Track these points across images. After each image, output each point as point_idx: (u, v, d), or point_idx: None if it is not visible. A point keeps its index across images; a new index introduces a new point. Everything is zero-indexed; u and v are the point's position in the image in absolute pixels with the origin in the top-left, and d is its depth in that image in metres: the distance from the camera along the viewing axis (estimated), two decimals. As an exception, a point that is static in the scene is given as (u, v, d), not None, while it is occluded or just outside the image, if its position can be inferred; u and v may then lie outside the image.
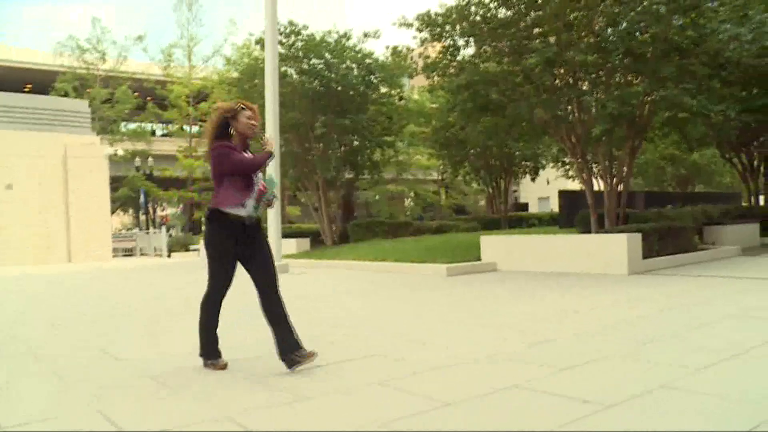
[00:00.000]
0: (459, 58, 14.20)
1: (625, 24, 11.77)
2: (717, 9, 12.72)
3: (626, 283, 9.47)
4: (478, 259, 12.73)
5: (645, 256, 11.04)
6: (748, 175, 21.42)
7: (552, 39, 12.53)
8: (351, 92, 21.17)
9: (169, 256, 28.55)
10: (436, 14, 13.77)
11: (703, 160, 31.48)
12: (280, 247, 14.70)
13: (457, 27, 13.53)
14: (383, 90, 22.71)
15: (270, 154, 4.60)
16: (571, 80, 13.02)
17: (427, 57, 15.13)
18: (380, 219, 26.58)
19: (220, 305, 4.68)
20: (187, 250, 30.12)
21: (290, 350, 4.47)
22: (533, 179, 29.41)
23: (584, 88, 13.04)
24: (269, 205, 4.71)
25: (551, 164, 26.24)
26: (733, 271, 10.31)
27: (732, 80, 14.70)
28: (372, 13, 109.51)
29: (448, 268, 11.87)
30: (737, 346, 4.72)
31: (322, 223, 22.74)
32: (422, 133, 27.58)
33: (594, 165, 15.69)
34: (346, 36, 21.29)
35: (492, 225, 24.74)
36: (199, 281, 4.93)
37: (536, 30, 12.86)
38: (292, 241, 20.86)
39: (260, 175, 4.67)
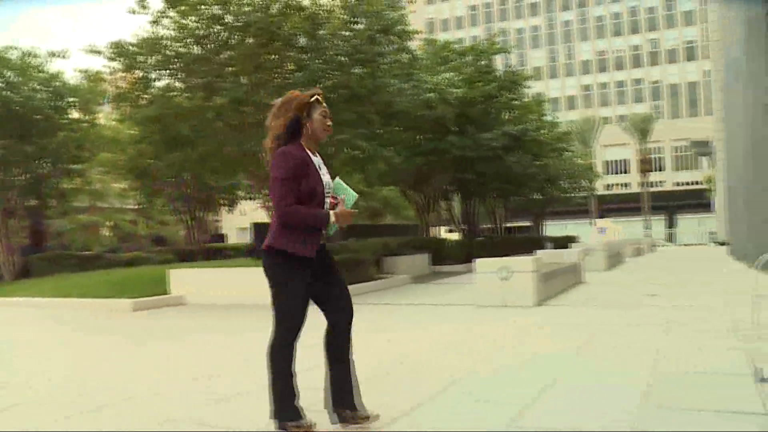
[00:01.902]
0: (152, 90, 13.96)
1: (310, 70, 12.66)
2: (391, 65, 14.33)
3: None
4: (166, 293, 12.54)
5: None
6: (423, 211, 24.14)
7: (244, 79, 12.99)
8: (37, 116, 19.46)
9: None
10: (129, 44, 13.37)
11: (391, 194, 34.59)
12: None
13: (150, 59, 13.32)
14: (75, 115, 21.27)
15: (328, 220, 3.48)
16: (260, 118, 13.58)
17: (118, 87, 14.64)
18: (69, 252, 24.63)
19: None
20: None
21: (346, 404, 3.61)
22: (230, 211, 29.80)
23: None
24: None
25: (248, 197, 26.74)
26: (399, 298, 11.61)
27: (404, 127, 16.62)
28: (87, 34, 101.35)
29: (134, 303, 11.53)
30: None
31: (1, 255, 20.46)
32: (118, 160, 26.32)
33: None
34: (32, 54, 19.56)
35: (189, 256, 24.38)
36: None
37: (229, 69, 13.21)
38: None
39: (327, 180, 3.62)
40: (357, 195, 3.61)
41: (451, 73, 17.89)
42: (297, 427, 3.41)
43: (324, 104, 3.57)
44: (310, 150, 3.53)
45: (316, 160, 3.54)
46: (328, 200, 3.54)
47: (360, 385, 3.61)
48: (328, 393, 3.59)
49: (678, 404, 3.85)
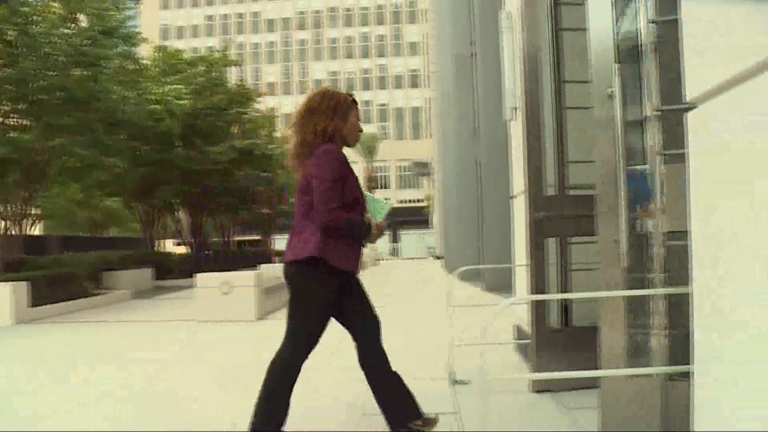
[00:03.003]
0: None
1: (20, 69, 11.60)
2: (115, 70, 13.66)
3: (6, 334, 9.22)
4: None
5: (34, 305, 10.89)
6: (148, 223, 23.19)
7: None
8: None
9: None
10: None
11: (115, 206, 32.59)
12: None
13: None
14: None
15: (370, 229, 3.20)
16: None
17: None
18: None
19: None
20: None
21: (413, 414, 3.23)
22: None
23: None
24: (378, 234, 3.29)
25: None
26: (118, 315, 11.06)
27: (129, 136, 15.90)
28: None
29: None
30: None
31: None
32: None
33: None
34: None
35: None
36: None
37: None
38: None
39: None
40: (389, 205, 3.43)
41: (179, 85, 17.53)
42: None
43: (357, 107, 3.38)
44: None
45: None
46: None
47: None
48: (393, 412, 3.26)
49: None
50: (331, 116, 3.21)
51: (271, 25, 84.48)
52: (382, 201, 3.38)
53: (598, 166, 3.16)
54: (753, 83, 1.76)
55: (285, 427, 3.12)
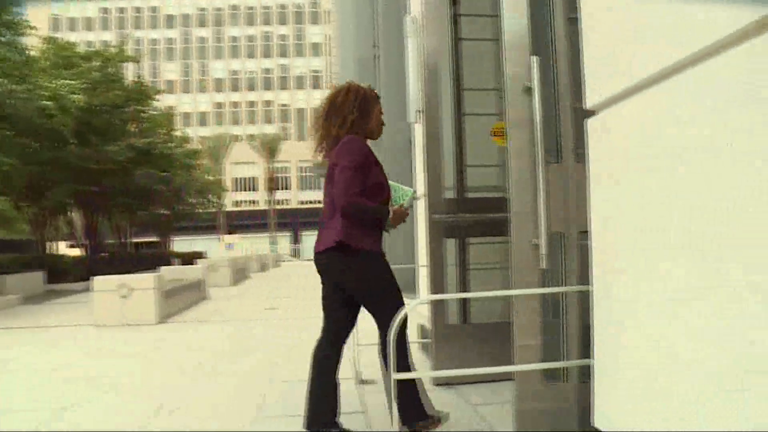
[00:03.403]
0: None
1: None
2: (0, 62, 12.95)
3: None
4: None
5: None
6: (38, 225, 22.07)
7: None
8: None
9: None
10: None
11: (2, 206, 30.82)
12: None
13: None
14: None
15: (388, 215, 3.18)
16: None
17: None
18: None
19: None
20: None
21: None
22: None
23: None
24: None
25: None
26: (6, 321, 10.52)
27: (17, 132, 15.10)
28: None
29: None
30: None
31: None
32: None
33: None
34: None
35: None
36: None
37: None
38: None
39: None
40: (412, 190, 3.41)
41: (73, 80, 16.80)
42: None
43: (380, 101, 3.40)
44: None
45: None
46: None
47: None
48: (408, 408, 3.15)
49: (291, 411, 4.02)
50: (355, 110, 3.25)
51: (170, 21, 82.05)
52: (405, 188, 3.43)
53: (512, 164, 3.06)
54: (648, 93, 1.92)
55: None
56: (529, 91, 2.96)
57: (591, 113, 2.37)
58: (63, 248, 32.94)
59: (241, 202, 73.22)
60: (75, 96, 15.89)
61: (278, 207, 69.26)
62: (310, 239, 70.11)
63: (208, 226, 50.73)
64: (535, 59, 2.94)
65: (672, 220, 1.82)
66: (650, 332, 1.96)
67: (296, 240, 70.78)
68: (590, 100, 2.35)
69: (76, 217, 25.63)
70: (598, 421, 2.40)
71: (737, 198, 1.51)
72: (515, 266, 3.03)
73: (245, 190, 75.19)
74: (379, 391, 4.44)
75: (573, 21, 2.80)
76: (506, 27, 3.04)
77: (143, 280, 9.78)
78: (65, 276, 19.30)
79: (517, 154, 3.03)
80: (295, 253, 65.37)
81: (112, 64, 20.55)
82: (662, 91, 1.85)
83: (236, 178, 73.74)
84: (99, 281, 9.81)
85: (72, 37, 42.05)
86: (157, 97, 23.25)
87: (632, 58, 2.02)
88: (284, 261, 45.42)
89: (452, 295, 4.70)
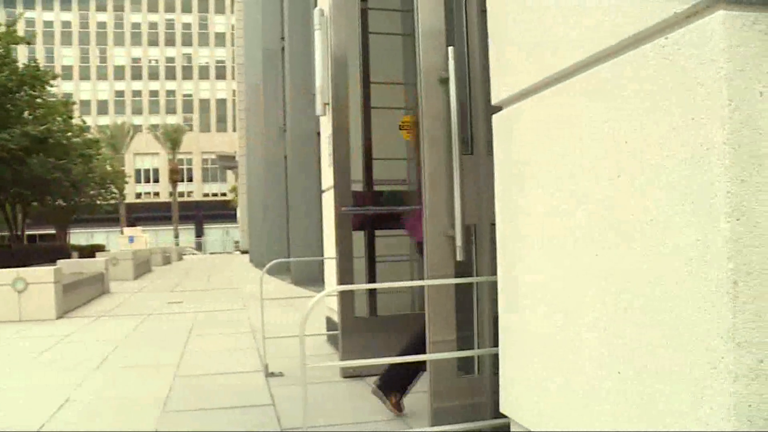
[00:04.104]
0: None
1: None
2: None
3: None
4: None
5: None
6: None
7: None
8: None
9: None
10: None
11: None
12: None
13: None
14: None
15: None
16: None
17: None
18: None
19: None
20: None
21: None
22: None
23: None
24: None
25: None
26: None
27: None
28: None
29: None
30: None
31: None
32: None
33: None
34: None
35: None
36: None
37: None
38: None
39: None
40: None
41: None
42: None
43: None
44: None
45: None
46: None
47: None
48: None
49: (196, 406, 4.09)
50: None
51: (65, 2, 78.16)
52: None
53: (426, 155, 3.01)
54: (551, 91, 2.02)
55: None
56: (445, 81, 2.95)
57: (497, 109, 2.42)
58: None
59: (143, 193, 71.05)
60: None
61: (181, 199, 67.56)
62: (213, 232, 69.01)
63: (108, 218, 48.83)
64: (451, 49, 2.95)
65: (573, 213, 1.89)
66: (552, 320, 2.03)
67: (200, 233, 69.35)
68: (496, 97, 2.40)
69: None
70: (504, 407, 2.45)
71: (635, 190, 1.59)
72: (429, 258, 3.01)
73: (147, 182, 72.99)
74: (287, 384, 4.49)
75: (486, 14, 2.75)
76: (421, 17, 3.02)
77: (42, 274, 9.42)
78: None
79: (432, 145, 3.00)
80: (199, 247, 64.01)
81: (1, 45, 19.41)
82: (565, 89, 1.92)
83: (138, 169, 71.42)
84: (-8, 274, 9.38)
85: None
86: (53, 82, 22.17)
87: (536, 57, 2.07)
88: (188, 254, 44.39)
89: (362, 286, 4.76)
